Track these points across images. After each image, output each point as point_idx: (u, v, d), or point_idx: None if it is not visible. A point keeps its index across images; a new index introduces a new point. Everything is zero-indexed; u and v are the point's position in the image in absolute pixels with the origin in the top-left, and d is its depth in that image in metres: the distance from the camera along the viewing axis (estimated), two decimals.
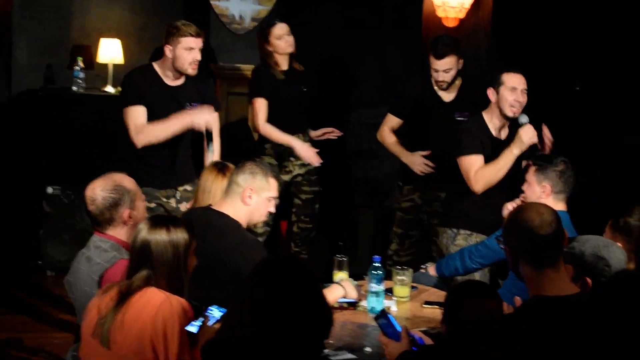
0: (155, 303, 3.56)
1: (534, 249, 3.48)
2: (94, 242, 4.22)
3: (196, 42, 5.88)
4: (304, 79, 6.89)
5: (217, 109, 5.99)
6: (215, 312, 3.91)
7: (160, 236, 3.65)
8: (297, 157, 6.75)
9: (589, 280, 3.70)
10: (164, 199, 5.97)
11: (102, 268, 4.05)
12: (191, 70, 5.89)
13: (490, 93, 5.68)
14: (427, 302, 4.81)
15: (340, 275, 4.93)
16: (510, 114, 5.62)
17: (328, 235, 7.62)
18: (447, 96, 6.60)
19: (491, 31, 8.07)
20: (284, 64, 6.82)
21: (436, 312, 4.55)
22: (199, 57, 5.90)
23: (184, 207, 5.86)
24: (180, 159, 5.99)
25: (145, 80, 5.91)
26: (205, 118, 5.62)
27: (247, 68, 7.74)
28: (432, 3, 8.11)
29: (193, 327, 3.70)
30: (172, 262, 3.66)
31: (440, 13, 8.10)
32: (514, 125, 5.70)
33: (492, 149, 5.65)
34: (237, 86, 7.72)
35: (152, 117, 5.80)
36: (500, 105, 5.65)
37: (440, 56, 6.39)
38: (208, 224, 4.43)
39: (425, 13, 8.25)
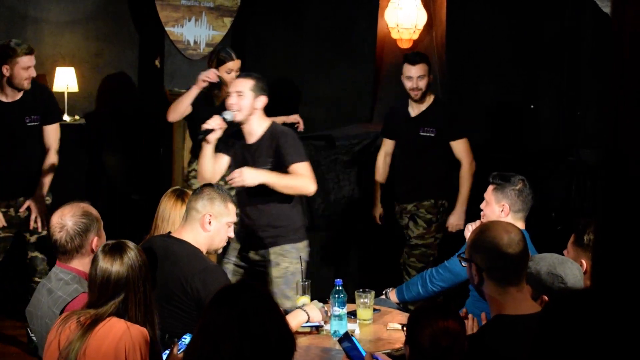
0: (115, 334, 3.55)
1: (501, 268, 3.50)
2: (56, 273, 4.17)
3: (31, 60, 6.35)
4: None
5: (57, 120, 6.66)
6: (188, 340, 3.89)
7: (121, 264, 3.64)
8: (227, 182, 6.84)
9: (546, 298, 3.73)
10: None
11: (64, 301, 4.01)
12: (27, 85, 6.37)
13: None
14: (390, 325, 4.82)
15: (303, 300, 4.93)
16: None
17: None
18: (414, 111, 6.79)
19: (445, 51, 8.12)
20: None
21: (399, 334, 4.56)
22: (34, 73, 6.41)
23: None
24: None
25: None
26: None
27: None
28: (386, 25, 8.17)
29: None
30: (145, 291, 3.66)
31: (394, 35, 8.16)
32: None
33: None
34: None
35: None
36: None
37: (414, 62, 6.64)
38: (168, 252, 4.41)
39: (379, 35, 8.30)
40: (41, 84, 6.93)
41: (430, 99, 6.78)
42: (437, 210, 6.79)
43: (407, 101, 6.84)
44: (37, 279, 6.44)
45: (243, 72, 5.88)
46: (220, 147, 5.61)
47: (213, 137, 5.45)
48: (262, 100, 5.58)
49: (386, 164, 7.07)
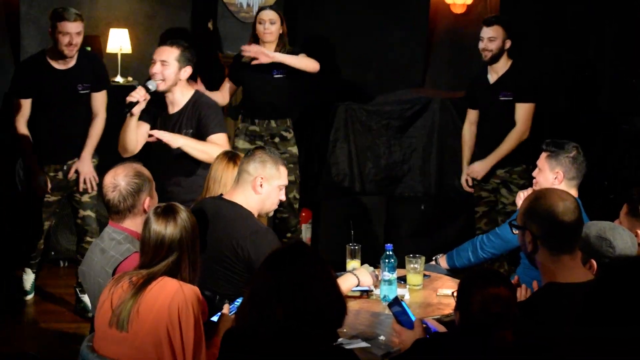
0: (168, 292, 3.58)
1: (556, 235, 3.48)
2: (108, 233, 4.21)
3: (70, 27, 6.32)
4: (276, 65, 6.84)
5: (105, 87, 6.66)
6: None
7: (175, 226, 3.68)
8: (265, 141, 6.91)
9: (593, 262, 3.70)
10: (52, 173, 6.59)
11: (117, 261, 4.05)
12: (67, 52, 6.34)
13: None
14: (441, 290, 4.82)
15: (353, 264, 4.93)
16: None
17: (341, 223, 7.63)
18: (493, 77, 6.80)
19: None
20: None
21: (449, 300, 4.55)
22: (75, 41, 6.34)
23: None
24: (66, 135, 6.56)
25: (34, 70, 6.48)
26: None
27: None
28: None
29: (214, 317, 3.75)
30: (196, 251, 3.70)
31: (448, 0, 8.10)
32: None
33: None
34: None
35: (48, 102, 6.42)
36: None
37: (487, 23, 6.71)
38: (219, 214, 4.42)
39: (433, 0, 8.25)
40: (92, 52, 7.03)
41: (507, 64, 6.76)
42: (530, 175, 6.73)
43: (486, 69, 6.83)
44: (88, 239, 6.53)
45: (170, 40, 5.77)
46: (141, 116, 5.59)
47: (138, 110, 5.47)
48: (187, 70, 5.61)
49: (472, 134, 7.03)
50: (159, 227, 3.69)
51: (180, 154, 5.47)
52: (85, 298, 6.39)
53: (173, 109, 5.61)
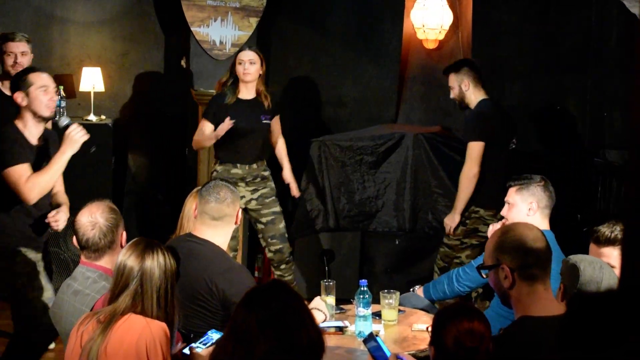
0: (135, 330, 3.56)
1: (531, 265, 3.49)
2: (82, 272, 4.18)
3: (15, 46, 6.48)
4: (262, 110, 6.89)
5: None
6: (215, 336, 3.90)
7: (151, 262, 3.66)
8: (247, 183, 6.89)
9: (562, 287, 3.67)
10: None
11: (93, 299, 4.02)
12: (13, 72, 6.22)
13: (20, 97, 5.40)
14: (415, 325, 4.81)
15: (328, 300, 4.91)
16: (47, 113, 5.45)
17: (315, 259, 7.63)
18: None
19: (471, 52, 8.10)
20: (244, 91, 6.87)
21: (424, 335, 4.55)
22: (19, 59, 6.45)
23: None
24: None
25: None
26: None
27: None
28: (412, 25, 8.16)
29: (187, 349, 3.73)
30: (163, 287, 3.67)
31: (420, 35, 8.15)
32: None
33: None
34: None
35: None
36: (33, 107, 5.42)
37: (444, 73, 6.89)
38: (192, 252, 4.40)
39: (405, 35, 8.29)
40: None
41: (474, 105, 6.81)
42: (467, 215, 6.75)
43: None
44: None
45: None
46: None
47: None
48: None
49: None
50: (122, 257, 3.70)
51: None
52: None
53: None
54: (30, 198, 5.29)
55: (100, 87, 7.91)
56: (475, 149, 6.63)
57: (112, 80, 8.11)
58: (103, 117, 7.91)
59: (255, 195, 6.97)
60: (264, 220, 7.02)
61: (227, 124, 6.57)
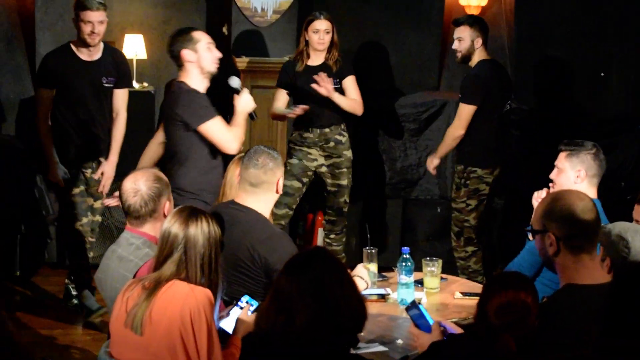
0: (180, 297, 3.58)
1: (577, 235, 3.46)
2: (126, 238, 4.21)
3: (91, 15, 6.36)
4: (331, 74, 6.86)
5: (128, 86, 6.73)
6: (249, 303, 3.91)
7: (195, 229, 3.67)
8: (321, 147, 6.88)
9: (608, 260, 3.66)
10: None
11: (136, 265, 4.04)
12: (90, 41, 6.40)
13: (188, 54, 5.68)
14: (461, 293, 4.79)
15: (371, 268, 4.91)
16: (213, 69, 5.74)
17: (357, 227, 7.64)
18: None
19: (514, 19, 8.03)
20: (313, 57, 6.87)
21: (466, 303, 4.54)
22: (97, 29, 6.38)
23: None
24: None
25: (59, 60, 6.52)
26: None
27: (270, 61, 7.74)
28: None
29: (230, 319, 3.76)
30: (207, 255, 3.68)
31: (462, 1, 8.08)
32: None
33: None
34: (260, 79, 7.68)
35: (72, 94, 6.47)
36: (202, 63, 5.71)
37: (456, 24, 6.84)
38: (235, 219, 4.42)
39: (447, 1, 8.24)
40: (117, 49, 7.01)
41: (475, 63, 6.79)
42: (466, 176, 6.73)
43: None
44: (90, 239, 6.64)
45: None
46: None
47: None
48: None
49: None
50: (167, 224, 3.71)
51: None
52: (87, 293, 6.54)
53: None
54: (234, 147, 5.49)
55: (142, 54, 7.93)
56: (465, 111, 6.67)
57: (154, 47, 8.11)
58: (145, 84, 7.93)
59: (328, 163, 7.00)
60: (328, 189, 7.08)
61: (300, 109, 6.64)
